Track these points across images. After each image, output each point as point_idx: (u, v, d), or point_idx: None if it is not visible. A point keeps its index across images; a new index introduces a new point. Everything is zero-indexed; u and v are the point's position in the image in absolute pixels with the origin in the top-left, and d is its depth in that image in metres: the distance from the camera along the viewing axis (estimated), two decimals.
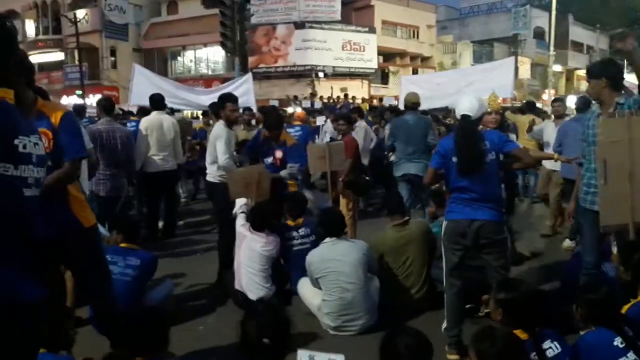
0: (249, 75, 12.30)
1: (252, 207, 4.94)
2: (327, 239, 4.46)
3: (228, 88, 10.77)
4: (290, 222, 5.15)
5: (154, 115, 7.07)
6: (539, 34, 40.87)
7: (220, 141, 5.29)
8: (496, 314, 2.77)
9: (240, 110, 8.73)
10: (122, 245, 4.25)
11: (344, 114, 8.36)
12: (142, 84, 9.75)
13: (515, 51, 35.87)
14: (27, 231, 1.78)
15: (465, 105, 3.69)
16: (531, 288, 2.92)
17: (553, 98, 12.75)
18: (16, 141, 1.69)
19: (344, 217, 4.94)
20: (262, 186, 5.13)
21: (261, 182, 5.13)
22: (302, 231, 5.05)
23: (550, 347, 2.65)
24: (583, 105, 6.78)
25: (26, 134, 1.74)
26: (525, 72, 36.98)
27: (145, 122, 6.97)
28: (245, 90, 11.34)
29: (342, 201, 6.28)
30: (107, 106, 6.53)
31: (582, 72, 44.31)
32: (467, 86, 10.89)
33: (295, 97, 22.22)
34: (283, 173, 5.63)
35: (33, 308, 1.76)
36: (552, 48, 32.42)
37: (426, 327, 4.13)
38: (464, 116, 3.66)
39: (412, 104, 6.75)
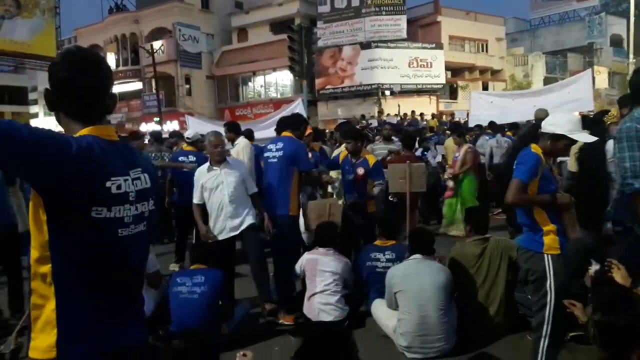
0: (299, 101, 12.42)
1: (316, 229, 5.09)
2: (414, 256, 4.37)
3: (277, 116, 11.11)
4: (378, 242, 5.02)
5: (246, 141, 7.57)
6: (616, 42, 39.06)
7: None
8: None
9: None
10: (192, 267, 4.44)
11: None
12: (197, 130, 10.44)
13: (590, 60, 34.50)
14: (127, 270, 1.75)
15: (549, 119, 3.28)
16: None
17: None
18: (108, 183, 1.64)
19: (434, 238, 4.68)
20: (334, 217, 5.47)
21: (333, 213, 5.51)
22: (388, 254, 4.81)
23: None
24: None
25: (123, 173, 1.70)
26: (602, 81, 35.29)
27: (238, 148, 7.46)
28: None
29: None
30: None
31: None
32: (544, 100, 10.59)
33: (363, 117, 22.26)
34: (377, 191, 5.82)
35: (135, 351, 1.76)
36: (631, 56, 30.91)
37: (507, 353, 4.04)
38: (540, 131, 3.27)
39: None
